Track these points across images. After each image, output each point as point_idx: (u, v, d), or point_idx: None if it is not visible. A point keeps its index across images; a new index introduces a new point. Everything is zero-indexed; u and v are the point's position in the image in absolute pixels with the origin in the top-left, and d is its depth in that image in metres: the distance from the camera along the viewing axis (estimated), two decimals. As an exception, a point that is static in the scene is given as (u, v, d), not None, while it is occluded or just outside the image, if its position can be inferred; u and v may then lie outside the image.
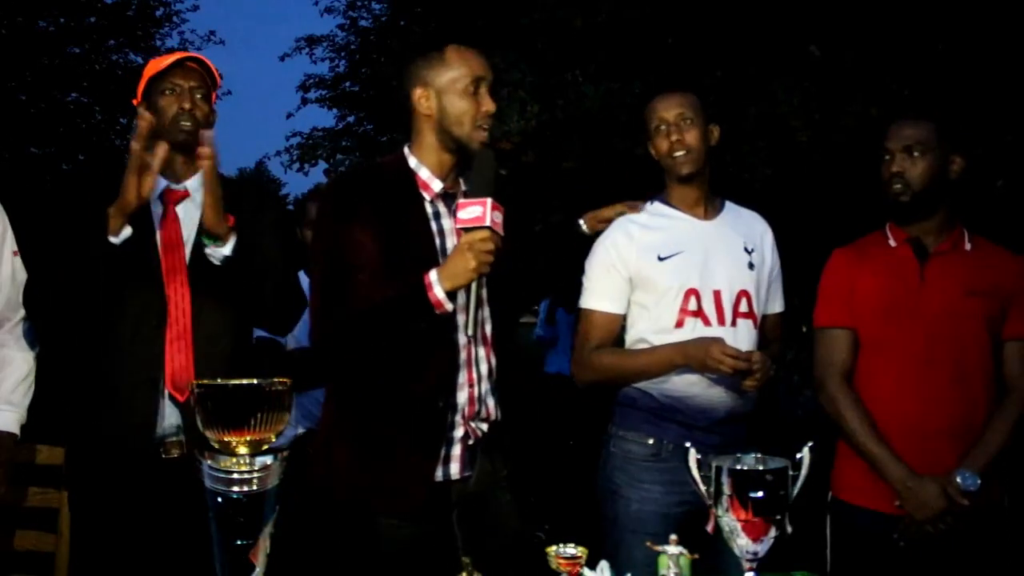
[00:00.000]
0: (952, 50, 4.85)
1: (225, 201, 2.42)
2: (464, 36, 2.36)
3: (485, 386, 2.27)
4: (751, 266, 2.58)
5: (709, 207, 2.61)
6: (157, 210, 2.45)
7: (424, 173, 2.26)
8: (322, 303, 2.21)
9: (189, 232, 2.45)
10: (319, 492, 2.24)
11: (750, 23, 5.50)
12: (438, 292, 2.08)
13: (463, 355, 2.23)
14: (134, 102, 2.54)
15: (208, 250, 2.36)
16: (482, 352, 2.27)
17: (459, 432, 2.22)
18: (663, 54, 5.92)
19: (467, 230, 2.07)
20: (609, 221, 2.62)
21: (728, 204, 2.67)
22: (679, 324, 2.50)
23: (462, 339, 2.20)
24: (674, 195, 2.61)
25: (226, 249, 2.34)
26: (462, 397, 2.22)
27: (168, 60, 2.49)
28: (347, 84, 14.42)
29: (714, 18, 5.66)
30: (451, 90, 2.22)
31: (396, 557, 2.15)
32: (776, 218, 2.74)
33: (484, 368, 2.27)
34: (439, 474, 2.20)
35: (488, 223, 2.04)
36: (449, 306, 2.09)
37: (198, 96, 2.46)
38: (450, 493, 2.23)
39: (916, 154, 2.47)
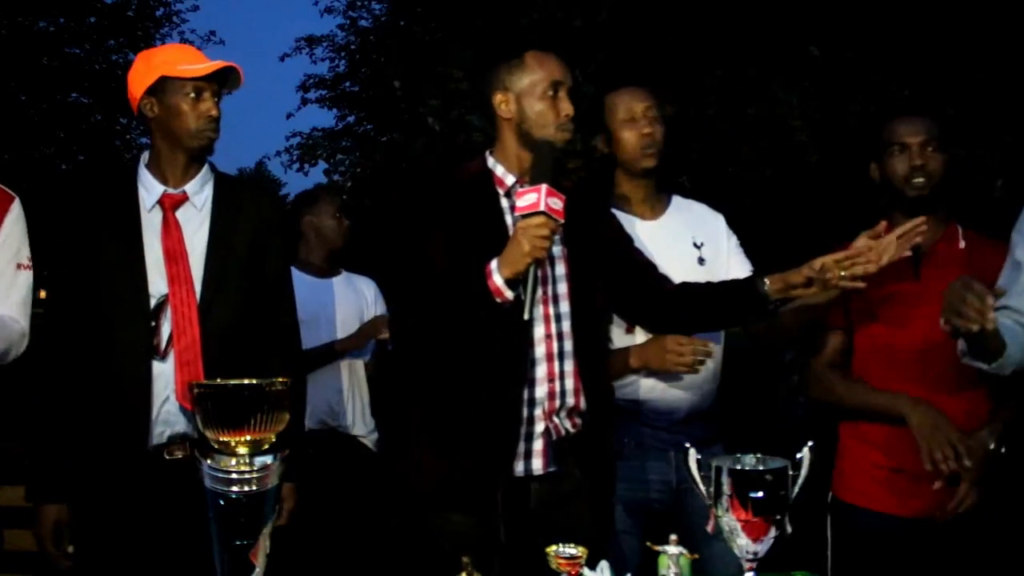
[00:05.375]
0: (952, 50, 4.85)
1: (225, 203, 2.42)
2: (545, 41, 2.39)
3: (570, 382, 2.27)
4: (701, 261, 2.57)
5: (655, 205, 2.61)
6: (156, 217, 2.40)
7: (500, 170, 2.32)
8: (403, 305, 2.32)
9: (191, 238, 2.40)
10: (402, 490, 2.31)
11: (750, 23, 5.50)
12: (497, 280, 2.10)
13: (542, 349, 2.24)
14: (136, 93, 2.41)
15: None
16: (568, 347, 2.28)
17: (539, 427, 2.23)
18: (663, 54, 5.92)
19: (525, 217, 2.10)
20: None
21: (675, 199, 2.66)
22: (629, 330, 2.51)
23: (539, 332, 2.23)
24: (621, 193, 2.60)
25: None
26: (541, 391, 2.23)
27: (201, 64, 2.38)
28: (347, 84, 14.44)
29: (714, 18, 5.66)
30: (530, 94, 2.28)
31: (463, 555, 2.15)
32: (776, 218, 2.74)
33: (569, 365, 2.27)
34: (520, 468, 2.22)
35: (543, 208, 2.07)
36: (509, 294, 2.11)
37: (217, 100, 2.39)
38: (531, 490, 2.25)
39: (931, 149, 2.48)
